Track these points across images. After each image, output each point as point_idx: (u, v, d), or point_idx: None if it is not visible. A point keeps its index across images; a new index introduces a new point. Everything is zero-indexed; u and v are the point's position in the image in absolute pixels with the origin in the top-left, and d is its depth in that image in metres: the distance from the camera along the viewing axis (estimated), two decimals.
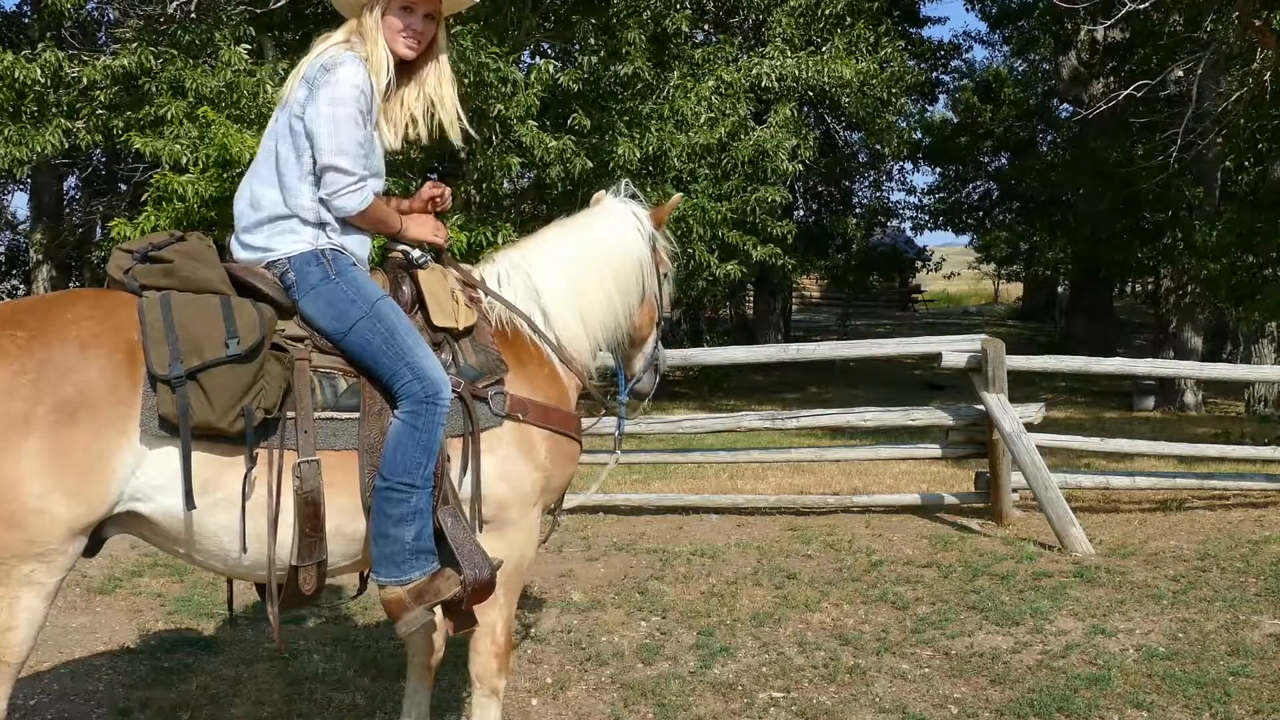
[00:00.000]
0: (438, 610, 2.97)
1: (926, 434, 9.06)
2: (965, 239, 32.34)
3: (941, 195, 30.16)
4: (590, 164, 11.31)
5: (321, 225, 2.95)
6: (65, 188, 19.73)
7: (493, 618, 3.13)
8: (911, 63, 19.98)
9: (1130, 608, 5.29)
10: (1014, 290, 41.22)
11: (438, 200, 3.30)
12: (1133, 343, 24.11)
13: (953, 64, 28.19)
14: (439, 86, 3.13)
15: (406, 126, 3.14)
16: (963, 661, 4.57)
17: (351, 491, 2.83)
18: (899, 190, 38.73)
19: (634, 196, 3.60)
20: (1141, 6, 11.14)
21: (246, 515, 2.69)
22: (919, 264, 36.96)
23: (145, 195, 10.66)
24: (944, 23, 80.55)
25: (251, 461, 2.68)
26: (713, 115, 12.85)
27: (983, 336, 7.17)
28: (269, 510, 2.70)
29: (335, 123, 2.86)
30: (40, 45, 11.35)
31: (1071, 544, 6.43)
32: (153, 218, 10.24)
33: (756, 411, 8.69)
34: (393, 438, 2.82)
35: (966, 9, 66.41)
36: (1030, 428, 6.98)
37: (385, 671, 4.39)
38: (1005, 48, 28.20)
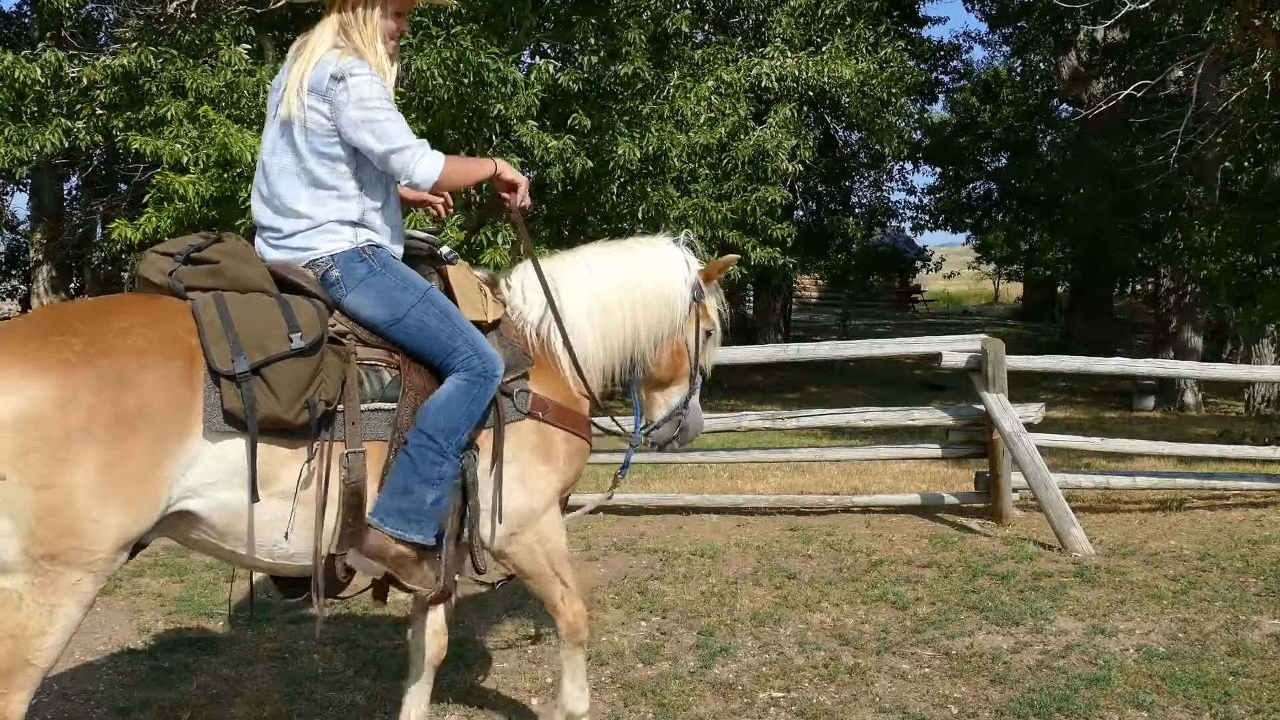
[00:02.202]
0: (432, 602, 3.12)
1: (926, 434, 9.06)
2: (964, 238, 32.36)
3: (941, 195, 30.17)
4: (590, 164, 11.30)
5: (359, 225, 3.02)
6: (65, 188, 19.73)
7: (563, 602, 3.33)
8: (911, 63, 19.98)
9: (1130, 608, 5.29)
10: (1014, 290, 41.24)
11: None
12: (1133, 343, 24.10)
13: (952, 64, 28.23)
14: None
15: None
16: (963, 661, 4.57)
17: None
18: (899, 190, 38.80)
19: (690, 246, 3.64)
20: (1141, 6, 11.14)
21: (298, 506, 2.75)
22: (919, 264, 36.97)
23: (146, 196, 10.65)
24: (944, 23, 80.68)
25: (313, 453, 2.74)
26: (713, 115, 12.85)
27: (983, 336, 7.17)
28: (318, 500, 2.76)
29: (372, 122, 2.91)
30: (40, 45, 11.34)
31: (1071, 544, 6.43)
32: (153, 218, 10.24)
33: (756, 411, 8.68)
34: (442, 397, 2.91)
35: (966, 9, 66.50)
36: (1030, 428, 6.98)
37: (385, 671, 4.39)
38: (1005, 48, 28.20)
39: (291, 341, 2.69)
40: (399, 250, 3.13)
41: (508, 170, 3.20)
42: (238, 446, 2.63)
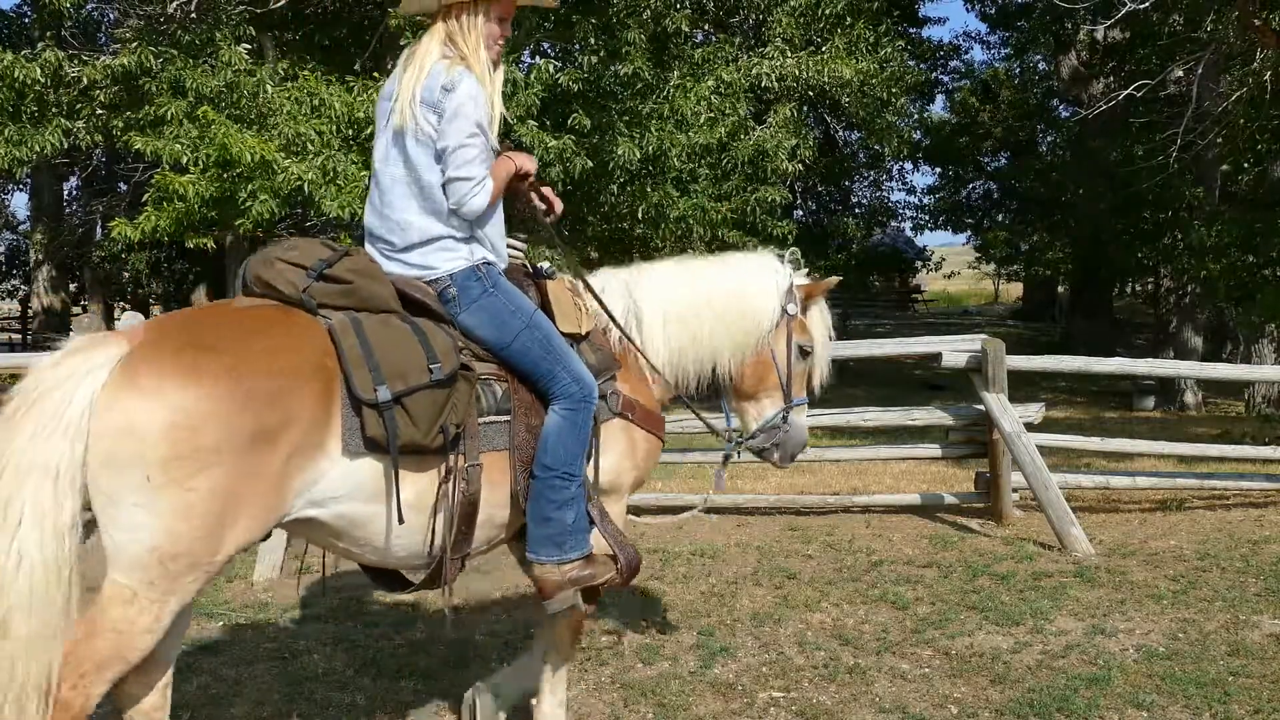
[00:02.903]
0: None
1: (926, 434, 9.06)
2: (964, 238, 32.36)
3: (941, 195, 30.16)
4: (590, 164, 11.31)
5: (472, 240, 3.09)
6: (65, 188, 19.73)
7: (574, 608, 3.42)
8: (911, 63, 19.97)
9: (1130, 608, 5.29)
10: (1014, 290, 41.21)
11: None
12: (1133, 343, 24.09)
13: (952, 64, 28.24)
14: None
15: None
16: (963, 661, 4.57)
17: (503, 486, 3.05)
18: (899, 190, 38.78)
19: (795, 264, 3.73)
20: (1141, 6, 11.15)
21: (415, 515, 2.85)
22: (919, 264, 36.98)
23: (145, 195, 10.65)
24: (943, 23, 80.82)
25: (447, 470, 2.87)
26: (713, 115, 12.85)
27: (983, 336, 7.17)
28: (447, 510, 2.90)
29: (461, 146, 2.97)
30: (40, 45, 11.32)
31: (1071, 544, 6.43)
32: (153, 218, 10.24)
33: None
34: (553, 431, 3.04)
35: (966, 9, 66.53)
36: (1030, 428, 6.98)
37: (385, 671, 4.39)
38: (1005, 49, 28.19)
39: (431, 373, 2.79)
40: (504, 265, 3.21)
41: (526, 164, 3.23)
42: (366, 465, 2.74)
